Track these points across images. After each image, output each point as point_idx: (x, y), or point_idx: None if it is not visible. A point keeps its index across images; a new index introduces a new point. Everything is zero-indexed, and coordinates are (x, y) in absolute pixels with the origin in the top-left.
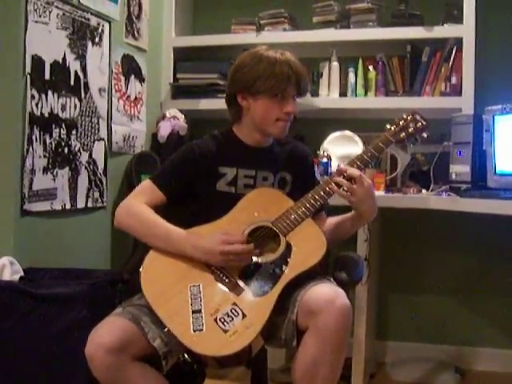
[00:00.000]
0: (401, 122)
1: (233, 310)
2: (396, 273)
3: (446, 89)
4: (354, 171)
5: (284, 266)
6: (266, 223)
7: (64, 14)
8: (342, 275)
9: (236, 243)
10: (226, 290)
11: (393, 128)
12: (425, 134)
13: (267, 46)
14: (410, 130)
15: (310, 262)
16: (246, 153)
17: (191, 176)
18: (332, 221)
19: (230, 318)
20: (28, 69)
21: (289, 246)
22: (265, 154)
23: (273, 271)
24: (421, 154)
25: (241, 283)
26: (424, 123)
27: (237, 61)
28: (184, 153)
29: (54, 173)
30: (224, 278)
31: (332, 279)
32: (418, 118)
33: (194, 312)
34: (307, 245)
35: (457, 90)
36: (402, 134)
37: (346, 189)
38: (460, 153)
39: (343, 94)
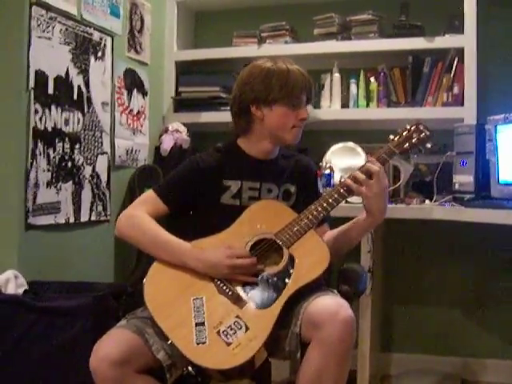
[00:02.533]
0: (404, 133)
1: (236, 323)
2: (400, 284)
3: (448, 99)
4: (372, 166)
5: (287, 279)
6: (269, 235)
7: (67, 29)
8: (346, 287)
9: (241, 256)
10: (229, 302)
11: (396, 139)
12: (429, 145)
13: (265, 58)
14: (413, 140)
15: (313, 275)
16: (251, 165)
17: (195, 188)
18: (332, 233)
19: (233, 331)
20: (32, 83)
21: (292, 259)
22: (269, 166)
23: (276, 283)
24: (423, 165)
25: (244, 296)
26: (428, 133)
27: (243, 74)
28: (188, 165)
29: (58, 186)
30: (227, 290)
31: (335, 291)
32: (421, 128)
33: (197, 325)
34: (310, 257)
35: (459, 101)
36: (406, 145)
37: (362, 183)
38: (463, 163)
39: (345, 105)
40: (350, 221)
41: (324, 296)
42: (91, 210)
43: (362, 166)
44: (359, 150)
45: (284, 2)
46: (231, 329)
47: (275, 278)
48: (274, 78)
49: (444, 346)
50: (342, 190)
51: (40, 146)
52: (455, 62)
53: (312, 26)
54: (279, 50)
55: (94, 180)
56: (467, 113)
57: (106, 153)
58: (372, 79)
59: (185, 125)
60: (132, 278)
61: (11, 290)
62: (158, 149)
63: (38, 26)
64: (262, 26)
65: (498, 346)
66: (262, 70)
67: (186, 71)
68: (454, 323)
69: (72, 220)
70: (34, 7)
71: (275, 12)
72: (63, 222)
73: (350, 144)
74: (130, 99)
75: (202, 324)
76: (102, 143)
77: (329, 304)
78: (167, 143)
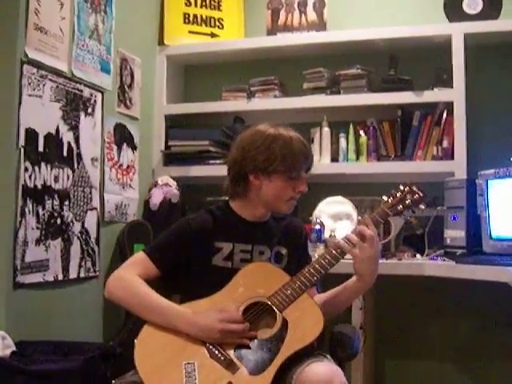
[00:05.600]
0: (398, 194)
1: None
2: (392, 340)
3: (437, 153)
4: (366, 230)
5: (280, 343)
6: (262, 299)
7: (57, 87)
8: (338, 350)
9: (233, 321)
10: (221, 367)
11: (390, 200)
12: (422, 206)
13: (267, 124)
14: (407, 201)
15: (306, 340)
16: (243, 227)
17: (186, 251)
18: (321, 297)
19: None
20: (22, 142)
21: (285, 323)
22: (261, 229)
23: (269, 348)
24: (414, 218)
25: (236, 360)
26: (421, 194)
27: (244, 139)
28: (179, 228)
29: (47, 244)
30: (219, 354)
31: (328, 356)
32: (414, 189)
33: None
34: (304, 321)
35: (449, 154)
36: (400, 207)
37: (355, 245)
38: (454, 217)
39: (335, 159)
40: (340, 285)
41: (317, 362)
42: (80, 267)
43: (356, 228)
44: (349, 203)
45: (273, 57)
46: None
47: (268, 343)
48: (277, 149)
49: None
50: (334, 252)
51: (29, 203)
52: (444, 116)
53: (301, 81)
54: (268, 104)
55: (83, 236)
56: (457, 166)
57: (96, 208)
58: (361, 133)
59: (174, 178)
60: (120, 335)
61: None
62: (147, 203)
63: (29, 84)
64: (251, 80)
65: None
66: (265, 138)
67: (175, 125)
68: (447, 378)
69: (61, 277)
70: (25, 65)
71: (264, 66)
72: (52, 279)
73: (340, 198)
74: (119, 154)
75: None
76: (91, 199)
77: (323, 371)
78: (157, 197)
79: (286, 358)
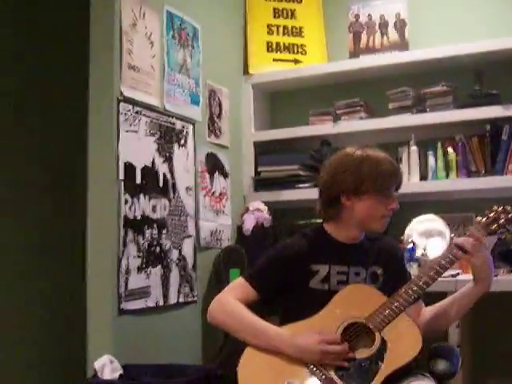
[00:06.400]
0: (491, 214)
1: None
2: (491, 359)
3: None
4: (476, 233)
5: (380, 362)
6: (360, 319)
7: (151, 121)
8: (438, 368)
9: (332, 343)
10: None
11: (483, 220)
12: None
13: (355, 146)
14: (501, 221)
15: (405, 358)
16: (338, 249)
17: (284, 276)
18: (431, 310)
19: None
20: (121, 175)
21: (384, 342)
22: (356, 250)
23: (368, 367)
24: (508, 232)
25: (336, 379)
26: None
27: (334, 163)
28: (276, 253)
29: (148, 271)
30: (320, 373)
31: (427, 374)
32: (508, 208)
33: None
34: (402, 340)
35: None
36: (494, 226)
37: (469, 250)
38: None
39: (424, 177)
40: (449, 297)
41: (417, 381)
42: (179, 292)
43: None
44: (440, 221)
45: (357, 79)
46: None
47: (368, 362)
48: (366, 170)
49: None
50: (432, 273)
51: (130, 233)
52: None
53: (386, 101)
54: (355, 126)
55: (181, 262)
56: None
57: (192, 235)
58: (450, 149)
59: (265, 203)
60: (220, 357)
61: (107, 374)
62: (240, 228)
63: (126, 120)
64: (336, 103)
65: None
66: (354, 160)
67: (264, 151)
68: None
69: (161, 303)
70: (121, 103)
71: (349, 89)
72: (153, 305)
73: (431, 216)
74: (212, 182)
75: None
76: (187, 226)
77: None
78: (249, 222)
79: (385, 376)
